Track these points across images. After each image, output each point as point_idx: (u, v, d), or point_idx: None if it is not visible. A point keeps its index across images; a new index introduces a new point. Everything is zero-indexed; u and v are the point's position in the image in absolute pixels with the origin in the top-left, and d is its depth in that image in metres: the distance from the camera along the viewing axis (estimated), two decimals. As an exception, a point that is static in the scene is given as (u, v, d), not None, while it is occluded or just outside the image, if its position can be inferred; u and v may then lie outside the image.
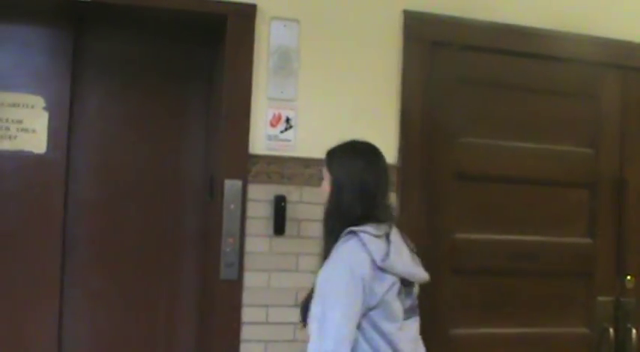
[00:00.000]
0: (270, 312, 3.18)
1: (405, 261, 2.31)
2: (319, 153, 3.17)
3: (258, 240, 3.17)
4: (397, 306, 2.24)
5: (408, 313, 2.29)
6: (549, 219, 3.52)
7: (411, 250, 2.42)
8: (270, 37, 3.21)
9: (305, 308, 2.33)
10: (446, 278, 3.33)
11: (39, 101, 3.25)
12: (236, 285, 3.13)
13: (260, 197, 3.17)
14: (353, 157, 2.40)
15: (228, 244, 3.11)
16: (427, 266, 3.27)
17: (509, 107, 3.47)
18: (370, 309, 2.19)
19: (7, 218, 3.23)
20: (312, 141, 3.22)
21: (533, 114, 3.50)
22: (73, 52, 3.29)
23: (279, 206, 3.16)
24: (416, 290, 2.40)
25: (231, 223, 3.11)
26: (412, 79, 3.31)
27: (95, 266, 3.33)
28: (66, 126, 3.27)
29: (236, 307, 3.12)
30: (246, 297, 3.15)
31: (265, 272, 3.18)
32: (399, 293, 2.25)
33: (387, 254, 2.22)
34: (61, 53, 3.28)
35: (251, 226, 3.16)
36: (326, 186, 2.43)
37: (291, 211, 3.19)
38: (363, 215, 2.29)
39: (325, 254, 2.30)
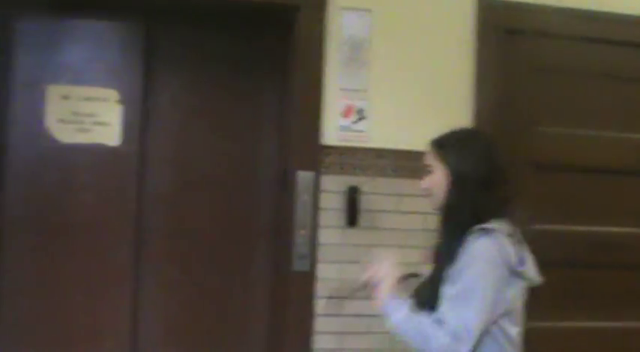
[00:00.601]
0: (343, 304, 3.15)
1: (531, 265, 2.15)
2: (392, 143, 3.19)
3: (331, 232, 3.15)
4: (521, 311, 2.13)
5: None
6: (631, 209, 3.42)
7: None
8: (341, 28, 3.19)
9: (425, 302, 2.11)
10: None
11: (113, 94, 3.29)
12: (308, 277, 3.11)
13: (332, 188, 3.16)
14: (474, 146, 2.17)
15: (300, 236, 3.10)
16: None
17: (588, 95, 3.39)
18: (501, 315, 2.04)
19: (82, 210, 3.27)
20: (384, 132, 3.20)
21: (613, 102, 3.42)
22: (146, 45, 3.32)
23: (352, 197, 3.14)
24: None
25: (303, 215, 3.10)
26: (486, 67, 3.25)
27: (168, 257, 3.35)
28: (139, 119, 3.30)
29: (308, 299, 3.11)
30: (319, 289, 3.13)
31: (338, 264, 3.15)
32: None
33: (523, 258, 2.08)
34: (134, 47, 3.32)
35: (323, 218, 3.15)
36: (435, 179, 2.18)
37: (364, 202, 3.16)
38: (491, 210, 2.09)
39: (447, 251, 2.09)
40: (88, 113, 3.27)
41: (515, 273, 2.05)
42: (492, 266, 2.00)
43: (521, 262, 2.07)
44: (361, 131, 3.18)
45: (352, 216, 3.14)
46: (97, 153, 3.27)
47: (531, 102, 3.34)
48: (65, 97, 3.26)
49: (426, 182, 2.23)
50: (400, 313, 2.06)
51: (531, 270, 2.13)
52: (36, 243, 3.24)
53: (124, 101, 3.29)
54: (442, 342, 1.95)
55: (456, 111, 3.25)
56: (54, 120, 3.25)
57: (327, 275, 3.14)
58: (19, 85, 3.24)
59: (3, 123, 3.20)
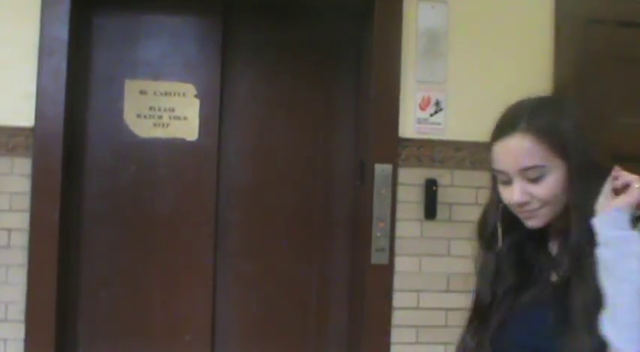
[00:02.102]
0: (421, 297, 3.16)
1: None
2: (470, 136, 3.17)
3: (409, 225, 3.16)
4: None
5: None
6: None
7: None
8: (418, 19, 3.18)
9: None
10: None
11: (190, 89, 3.31)
12: (387, 270, 3.12)
13: (411, 181, 3.15)
14: (577, 116, 1.59)
15: (378, 229, 3.10)
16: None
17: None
18: None
19: (162, 204, 3.31)
20: (462, 124, 3.19)
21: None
22: (222, 39, 3.33)
23: (430, 190, 3.14)
24: None
25: (381, 207, 3.11)
26: (565, 58, 3.22)
27: (247, 250, 3.37)
28: (217, 113, 3.31)
29: (387, 292, 3.12)
30: (397, 282, 3.14)
31: (416, 257, 3.16)
32: None
33: None
34: (211, 41, 3.33)
35: (402, 210, 3.15)
36: (552, 182, 1.47)
37: (442, 195, 3.16)
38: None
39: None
40: (166, 107, 3.30)
41: None
42: None
43: None
44: (439, 123, 3.17)
45: (430, 209, 3.14)
46: (174, 147, 3.29)
47: (611, 93, 3.28)
48: (143, 92, 3.29)
49: (541, 190, 1.46)
50: (617, 234, 1.38)
51: None
52: (115, 237, 3.28)
53: (201, 95, 3.31)
54: None
55: (535, 103, 3.21)
56: (132, 115, 3.29)
57: (406, 268, 3.14)
58: (98, 80, 3.27)
59: (82, 118, 3.24)
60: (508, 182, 1.50)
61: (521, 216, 1.51)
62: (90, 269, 3.25)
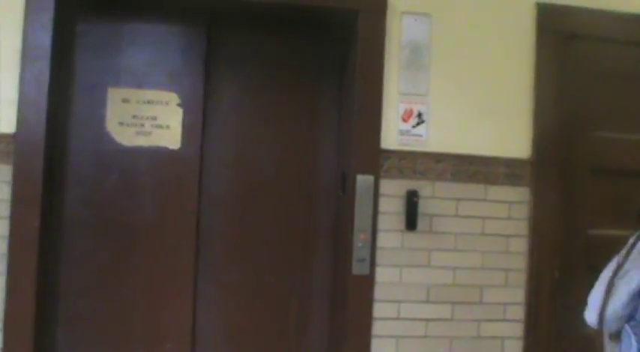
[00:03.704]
0: (401, 308, 3.17)
1: None
2: (451, 148, 3.21)
3: (390, 236, 3.17)
4: None
5: None
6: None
7: None
8: (401, 32, 3.21)
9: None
10: (580, 276, 3.23)
11: (173, 98, 3.31)
12: (368, 280, 3.13)
13: (392, 192, 3.17)
14: None
15: (359, 239, 3.11)
16: (561, 264, 3.25)
17: (647, 100, 3.38)
18: None
19: (144, 212, 3.30)
20: (443, 136, 3.22)
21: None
22: (206, 49, 3.34)
23: (411, 201, 3.15)
24: None
25: (362, 218, 3.12)
26: (546, 72, 3.26)
27: (228, 259, 3.37)
28: (200, 123, 3.32)
29: (368, 302, 3.13)
30: (378, 293, 3.15)
31: (397, 268, 3.18)
32: None
33: None
34: (195, 51, 3.34)
35: (383, 221, 3.17)
36: None
37: (423, 206, 3.17)
38: None
39: None
40: (149, 116, 3.30)
41: None
42: None
43: None
44: (420, 135, 3.19)
45: (411, 220, 3.16)
46: (157, 156, 3.29)
47: (591, 108, 3.33)
48: (126, 100, 3.29)
49: None
50: None
51: None
52: (96, 245, 3.26)
53: (184, 104, 3.31)
54: None
55: (515, 116, 3.26)
56: (115, 123, 3.28)
57: (386, 278, 3.16)
58: (81, 87, 3.26)
59: (65, 126, 3.23)
60: None
61: None
62: (70, 277, 3.23)
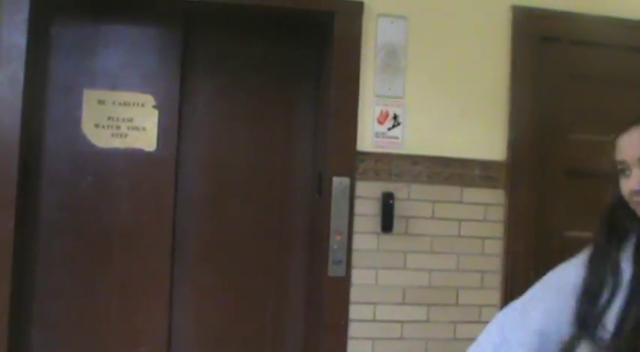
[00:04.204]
0: (377, 310, 3.18)
1: None
2: (427, 150, 3.22)
3: (366, 238, 3.17)
4: None
5: None
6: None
7: None
8: (377, 34, 3.21)
9: None
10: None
11: (149, 100, 3.30)
12: (344, 282, 3.13)
13: (368, 194, 3.17)
14: None
15: (335, 241, 3.12)
16: (537, 265, 3.26)
17: (623, 103, 3.37)
18: None
19: (119, 214, 3.28)
20: (419, 139, 3.22)
21: (647, 110, 3.41)
22: (182, 51, 3.33)
23: (387, 203, 3.15)
24: None
25: (338, 220, 3.12)
26: (521, 74, 3.27)
27: (204, 262, 3.36)
28: (176, 124, 3.31)
29: (344, 304, 3.13)
30: (354, 294, 3.15)
31: (373, 270, 3.18)
32: None
33: None
34: (171, 52, 3.32)
35: (359, 223, 3.17)
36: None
37: (398, 208, 3.18)
38: None
39: None
40: (125, 118, 3.29)
41: None
42: None
43: None
44: (396, 137, 3.20)
45: (387, 222, 3.16)
46: (133, 157, 3.28)
47: (566, 110, 3.35)
48: (101, 102, 3.28)
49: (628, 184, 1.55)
50: None
51: None
52: (71, 247, 3.25)
53: (160, 106, 3.30)
54: None
55: (492, 119, 3.27)
56: (90, 125, 3.27)
57: (362, 280, 3.16)
58: (56, 89, 3.24)
59: (39, 127, 3.21)
60: (628, 174, 1.55)
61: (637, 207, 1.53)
62: (45, 279, 3.21)
